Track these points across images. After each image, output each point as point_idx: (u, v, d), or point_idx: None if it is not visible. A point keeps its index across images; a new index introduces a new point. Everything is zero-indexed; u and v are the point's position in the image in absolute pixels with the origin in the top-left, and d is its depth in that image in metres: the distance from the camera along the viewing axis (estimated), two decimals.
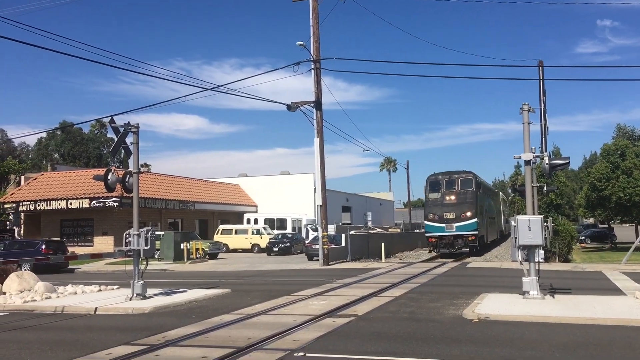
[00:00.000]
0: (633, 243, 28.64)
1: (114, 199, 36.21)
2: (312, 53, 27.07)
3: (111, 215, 38.91)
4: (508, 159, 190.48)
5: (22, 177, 48.01)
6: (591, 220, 63.88)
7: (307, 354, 8.36)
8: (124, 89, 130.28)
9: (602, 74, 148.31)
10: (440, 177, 34.25)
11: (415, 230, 57.45)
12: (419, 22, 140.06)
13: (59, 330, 11.40)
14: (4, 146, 78.22)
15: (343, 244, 30.84)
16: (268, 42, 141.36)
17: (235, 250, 42.35)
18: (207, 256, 34.45)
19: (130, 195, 16.00)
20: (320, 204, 27.28)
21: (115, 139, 15.46)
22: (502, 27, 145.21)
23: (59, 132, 73.77)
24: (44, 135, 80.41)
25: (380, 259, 31.47)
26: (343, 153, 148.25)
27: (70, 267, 29.98)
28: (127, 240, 14.75)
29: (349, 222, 55.48)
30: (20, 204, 40.50)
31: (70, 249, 34.36)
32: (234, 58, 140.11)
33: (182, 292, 16.20)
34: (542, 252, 16.73)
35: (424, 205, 36.52)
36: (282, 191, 53.99)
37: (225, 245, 40.95)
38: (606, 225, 47.21)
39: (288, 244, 38.56)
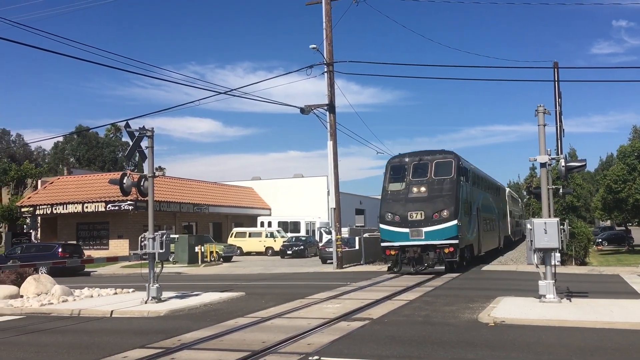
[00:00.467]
0: None
1: (129, 202, 36.62)
2: (325, 56, 27.09)
3: (126, 219, 39.22)
4: (523, 161, 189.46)
5: (39, 181, 48.58)
6: (608, 223, 63.30)
7: (322, 358, 8.35)
8: (137, 93, 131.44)
9: (618, 75, 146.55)
10: (407, 159, 23.92)
11: None
12: (432, 24, 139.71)
13: (75, 333, 11.50)
14: (21, 150, 79.20)
15: (357, 246, 30.75)
16: (281, 45, 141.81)
17: (249, 253, 42.53)
18: (221, 259, 34.59)
19: (145, 198, 16.16)
20: (334, 206, 27.20)
21: (131, 143, 15.66)
22: (516, 29, 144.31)
23: (75, 136, 74.60)
24: (61, 139, 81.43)
25: None
26: (356, 155, 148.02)
27: (86, 270, 30.34)
28: (142, 244, 14.89)
29: (363, 224, 55.34)
30: (37, 207, 41.04)
31: (86, 252, 34.75)
32: (247, 61, 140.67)
33: (196, 295, 16.26)
34: (558, 255, 16.52)
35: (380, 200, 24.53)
36: (296, 194, 54.07)
37: (239, 248, 41.07)
38: (623, 228, 46.72)
39: (302, 247, 38.65)
